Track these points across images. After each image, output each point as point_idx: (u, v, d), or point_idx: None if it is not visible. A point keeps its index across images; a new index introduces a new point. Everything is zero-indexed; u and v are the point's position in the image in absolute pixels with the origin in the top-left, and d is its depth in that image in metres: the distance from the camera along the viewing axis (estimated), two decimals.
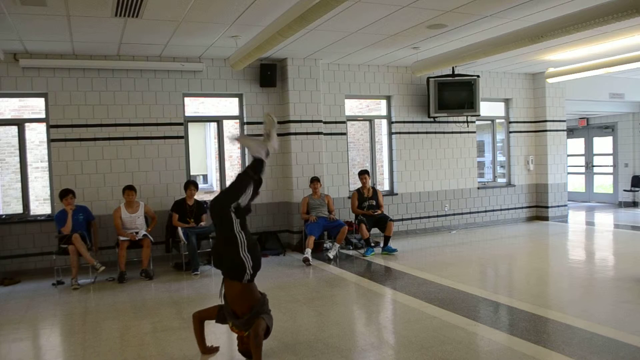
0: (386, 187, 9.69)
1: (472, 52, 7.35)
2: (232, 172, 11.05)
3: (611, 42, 7.82)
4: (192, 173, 8.45)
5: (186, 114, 8.08)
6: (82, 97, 7.34)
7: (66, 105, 7.27)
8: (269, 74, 8.12)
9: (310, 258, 7.23)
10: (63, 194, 6.67)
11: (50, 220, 7.15)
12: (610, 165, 13.34)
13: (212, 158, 12.98)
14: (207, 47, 7.24)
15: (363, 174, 8.08)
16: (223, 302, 3.82)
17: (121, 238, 6.74)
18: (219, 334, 4.49)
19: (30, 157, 8.62)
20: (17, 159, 7.82)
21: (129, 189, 6.99)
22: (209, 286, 6.30)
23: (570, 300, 5.29)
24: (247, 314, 3.68)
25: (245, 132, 8.32)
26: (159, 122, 7.75)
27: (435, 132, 9.72)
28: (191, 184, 7.35)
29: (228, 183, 9.40)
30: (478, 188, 10.25)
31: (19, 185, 8.01)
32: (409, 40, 7.30)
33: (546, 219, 10.69)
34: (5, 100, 10.15)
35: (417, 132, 9.54)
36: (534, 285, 5.96)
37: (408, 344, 4.06)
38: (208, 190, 12.79)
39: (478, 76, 9.22)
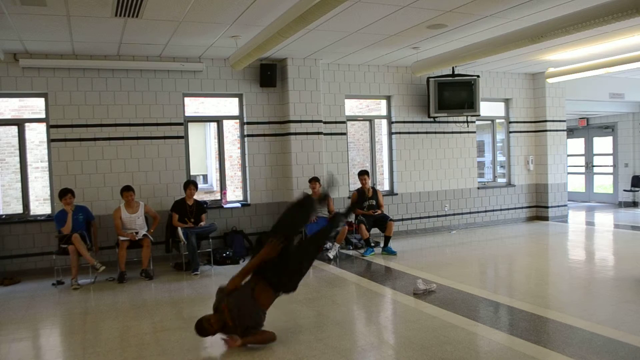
0: (386, 187, 9.69)
1: (472, 52, 7.35)
2: (232, 172, 11.05)
3: (611, 42, 7.82)
4: (192, 173, 8.44)
5: (186, 114, 8.08)
6: (82, 97, 7.34)
7: (66, 105, 7.27)
8: (269, 74, 8.12)
9: None
10: (62, 194, 6.66)
11: (50, 220, 7.15)
12: (610, 165, 13.34)
13: (212, 158, 12.98)
14: (207, 47, 7.24)
15: (362, 174, 8.07)
16: None
17: (121, 238, 6.74)
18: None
19: (30, 157, 8.62)
20: (17, 159, 7.81)
21: (127, 190, 6.95)
22: (209, 286, 6.29)
23: (570, 300, 5.29)
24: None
25: (246, 132, 8.33)
26: (159, 122, 7.75)
27: (435, 132, 9.72)
28: (191, 184, 7.34)
29: (227, 183, 9.42)
30: (478, 188, 10.25)
31: (19, 185, 8.00)
32: (409, 40, 7.30)
33: (546, 219, 10.69)
34: (5, 100, 10.15)
35: (417, 132, 9.54)
36: (534, 285, 5.96)
37: (408, 344, 4.06)
38: (208, 190, 12.80)
39: (478, 76, 9.22)
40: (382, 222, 7.87)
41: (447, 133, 9.83)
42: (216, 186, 12.66)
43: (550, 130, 10.66)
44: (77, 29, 6.05)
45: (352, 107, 10.54)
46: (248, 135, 8.32)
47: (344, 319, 4.81)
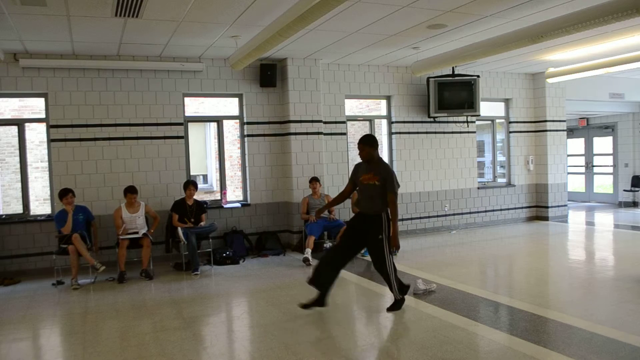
0: None
1: (472, 52, 7.35)
2: (232, 172, 11.05)
3: (611, 42, 7.82)
4: (192, 173, 8.45)
5: (186, 114, 8.08)
6: (82, 97, 7.34)
7: (66, 105, 7.27)
8: (269, 74, 8.12)
9: (310, 258, 7.22)
10: (62, 194, 6.66)
11: (50, 220, 7.15)
12: (610, 165, 13.34)
13: (212, 158, 12.98)
14: (207, 47, 7.24)
15: None
16: None
17: (121, 237, 6.74)
18: (218, 332, 4.48)
19: (30, 157, 8.62)
20: (17, 159, 7.82)
21: (132, 192, 6.93)
22: (209, 286, 6.30)
23: (570, 300, 5.29)
24: None
25: (246, 132, 8.33)
26: (159, 122, 7.75)
27: (435, 132, 9.72)
28: (190, 184, 7.34)
29: (227, 183, 9.41)
30: (478, 188, 10.25)
31: (19, 185, 8.01)
32: (409, 40, 7.30)
33: (546, 219, 10.68)
34: (5, 100, 10.15)
35: (417, 132, 9.54)
36: (534, 285, 5.96)
37: (408, 344, 4.06)
38: (208, 190, 12.79)
39: (478, 76, 9.22)
40: None
41: (447, 133, 9.83)
42: (216, 186, 12.66)
43: (550, 130, 10.66)
44: (77, 29, 6.05)
45: (352, 107, 10.53)
46: (248, 135, 8.32)
47: (344, 319, 4.81)
